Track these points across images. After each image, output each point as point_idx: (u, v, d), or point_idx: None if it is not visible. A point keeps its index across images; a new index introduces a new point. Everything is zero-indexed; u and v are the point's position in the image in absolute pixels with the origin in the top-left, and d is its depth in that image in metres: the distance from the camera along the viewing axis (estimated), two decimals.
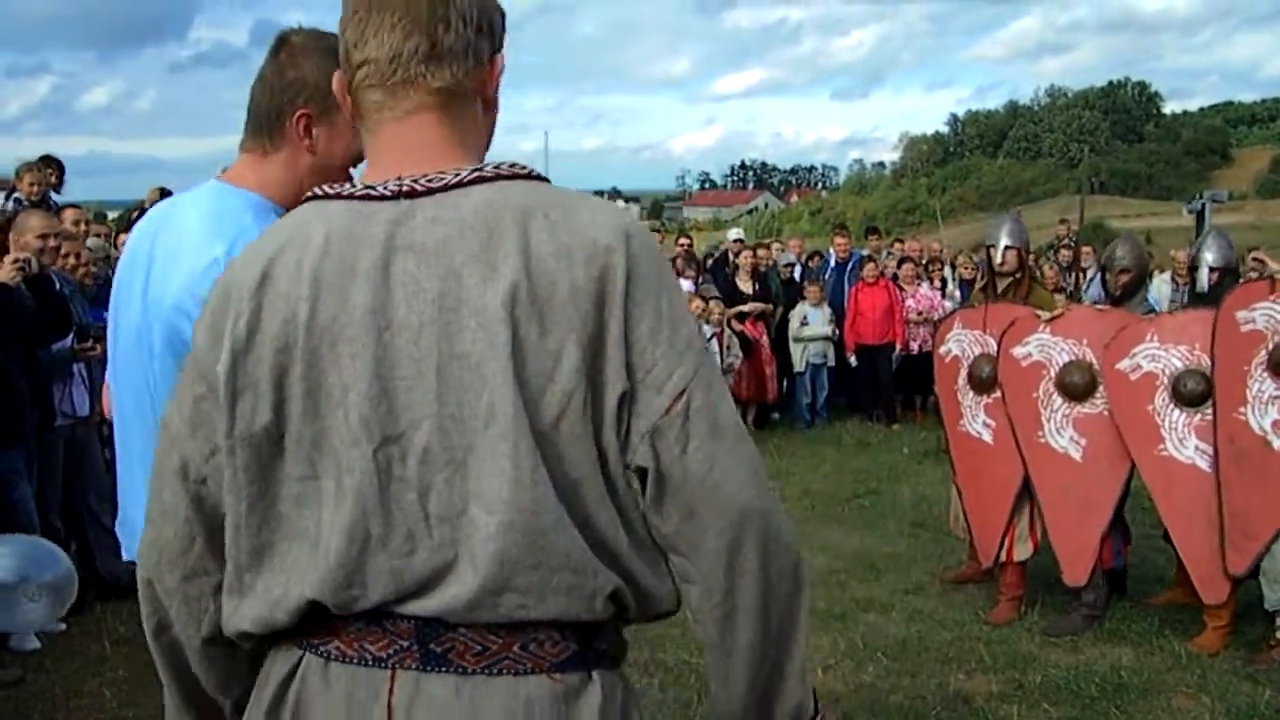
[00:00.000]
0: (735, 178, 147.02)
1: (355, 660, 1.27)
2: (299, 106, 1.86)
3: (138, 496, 1.92)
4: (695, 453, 1.25)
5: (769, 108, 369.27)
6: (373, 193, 1.28)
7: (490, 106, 1.38)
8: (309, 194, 1.35)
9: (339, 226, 1.27)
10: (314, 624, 1.29)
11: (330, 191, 1.32)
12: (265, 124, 1.88)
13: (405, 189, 1.27)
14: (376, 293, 1.24)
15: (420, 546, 1.23)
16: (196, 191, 1.95)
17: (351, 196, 1.30)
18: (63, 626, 5.02)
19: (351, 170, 1.98)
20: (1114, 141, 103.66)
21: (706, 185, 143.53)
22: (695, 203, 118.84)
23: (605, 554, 1.26)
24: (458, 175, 1.28)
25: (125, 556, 2.00)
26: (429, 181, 1.27)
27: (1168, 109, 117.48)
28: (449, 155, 1.31)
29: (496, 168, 1.29)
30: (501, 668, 1.24)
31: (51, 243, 4.93)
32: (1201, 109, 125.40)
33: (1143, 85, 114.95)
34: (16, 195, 7.36)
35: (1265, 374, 4.56)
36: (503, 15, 1.37)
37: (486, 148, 1.40)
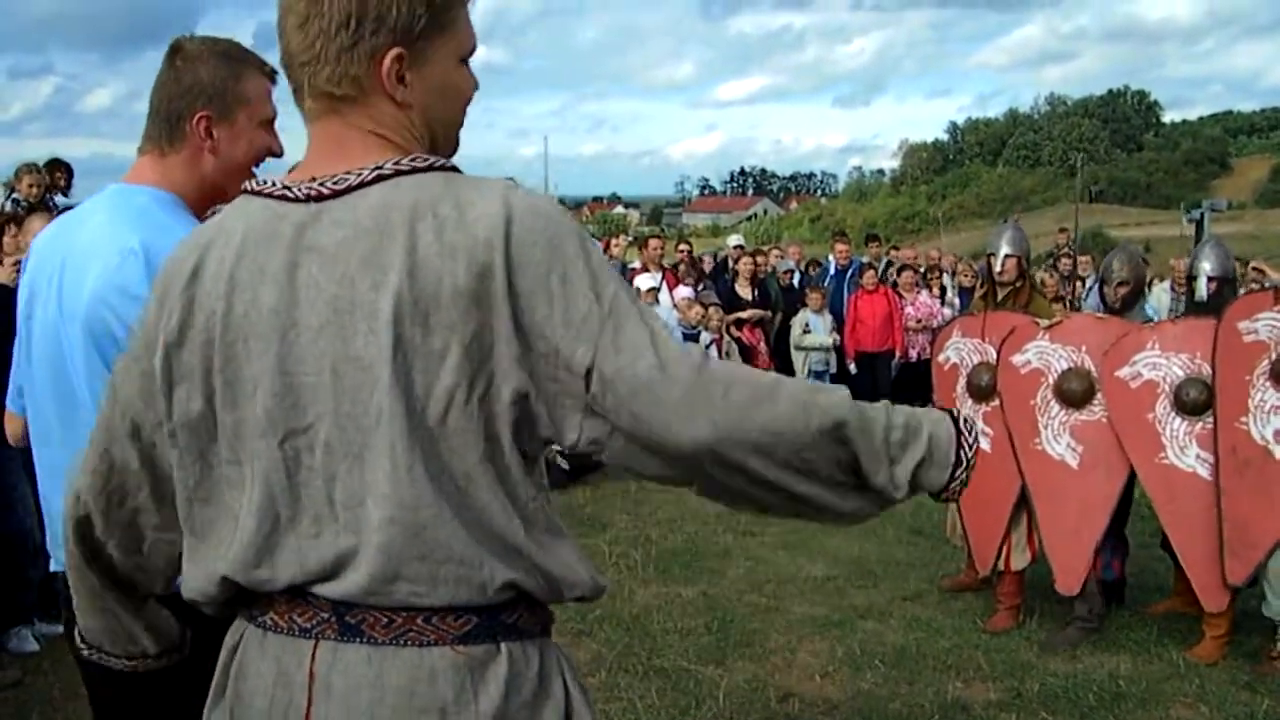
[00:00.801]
0: (735, 184, 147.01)
1: (285, 630, 1.34)
2: (198, 109, 1.94)
3: (56, 501, 1.90)
4: (628, 418, 1.27)
5: (771, 114, 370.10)
6: (288, 194, 1.33)
7: (397, 100, 1.34)
8: (244, 187, 1.40)
9: (254, 225, 1.33)
10: (255, 597, 1.36)
11: (256, 188, 1.37)
12: (165, 126, 1.96)
13: (314, 192, 1.32)
14: (282, 293, 1.29)
15: (325, 530, 1.30)
16: (99, 197, 2.01)
17: (271, 195, 1.34)
18: (60, 629, 5.02)
19: (254, 168, 2.05)
20: (1113, 150, 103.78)
21: (706, 191, 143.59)
22: (695, 209, 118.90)
23: (498, 544, 1.30)
24: (360, 175, 1.31)
25: (53, 567, 2.01)
26: (335, 184, 1.31)
27: (1168, 118, 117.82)
28: (358, 153, 1.34)
29: (397, 163, 1.31)
30: (407, 639, 1.29)
31: None
32: (1201, 118, 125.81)
33: (1142, 94, 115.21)
34: (15, 195, 7.36)
35: (1268, 384, 4.56)
36: (409, 5, 1.32)
37: (443, 133, 1.41)
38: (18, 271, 4.57)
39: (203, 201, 2.01)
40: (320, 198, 1.31)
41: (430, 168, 1.32)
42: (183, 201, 1.97)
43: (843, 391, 1.37)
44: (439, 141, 1.41)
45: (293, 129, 2.02)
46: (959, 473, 1.43)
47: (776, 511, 1.41)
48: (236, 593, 1.36)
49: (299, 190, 1.33)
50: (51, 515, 2.02)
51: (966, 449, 1.43)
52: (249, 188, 1.38)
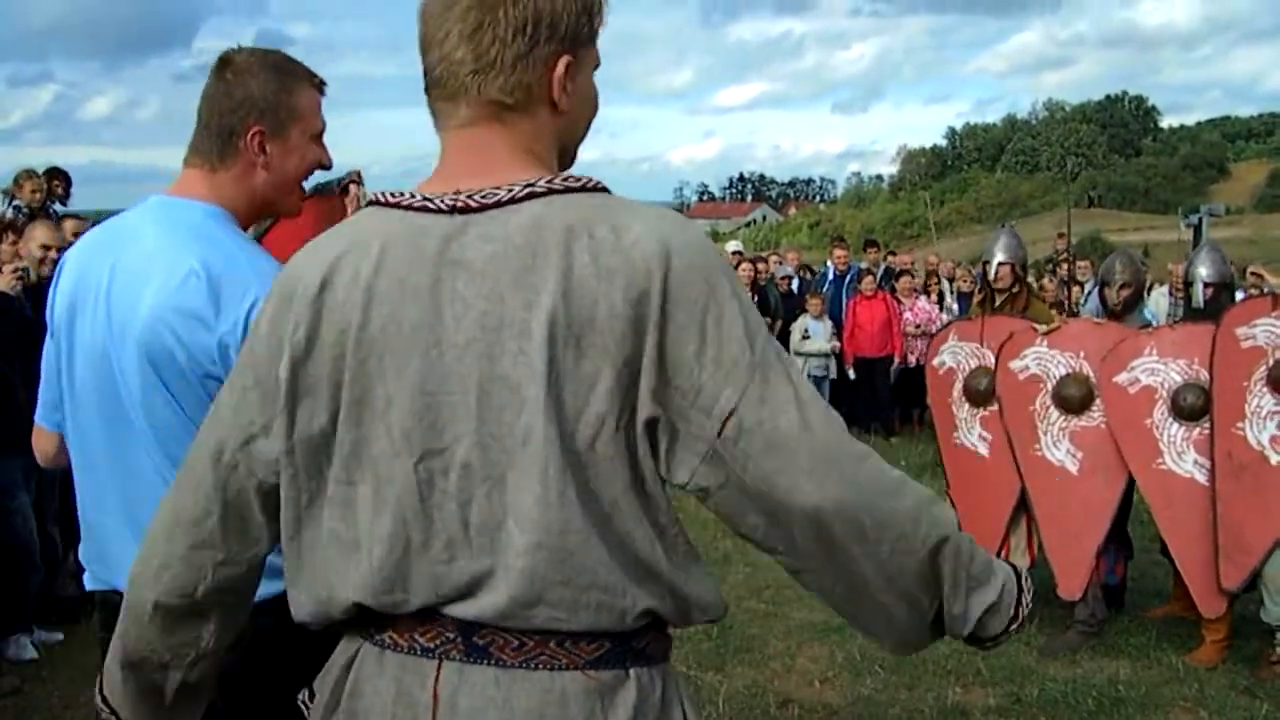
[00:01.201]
0: (733, 190, 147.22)
1: (406, 650, 1.31)
2: (251, 124, 1.89)
3: (108, 520, 1.90)
4: (754, 471, 1.24)
5: (769, 120, 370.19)
6: (429, 205, 1.29)
7: (561, 107, 1.33)
8: (372, 199, 1.36)
9: (394, 238, 1.28)
10: (377, 619, 1.33)
11: (390, 199, 1.32)
12: (216, 142, 1.90)
13: (460, 204, 1.28)
14: (425, 309, 1.25)
15: (459, 555, 1.26)
16: (146, 208, 1.94)
17: (410, 207, 1.30)
18: (60, 636, 5.02)
19: (303, 183, 2.02)
20: (1111, 155, 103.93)
21: (704, 197, 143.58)
22: (693, 215, 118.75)
23: (642, 570, 1.28)
24: (510, 191, 1.27)
25: (88, 586, 1.98)
26: (483, 198, 1.27)
27: (1166, 123, 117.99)
28: (507, 167, 1.30)
29: (550, 181, 1.28)
30: (538, 663, 1.27)
31: (53, 254, 4.94)
32: (1199, 123, 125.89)
33: (1140, 99, 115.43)
34: (16, 202, 7.37)
35: (1265, 389, 4.57)
36: (585, 10, 1.33)
37: (571, 147, 1.40)
38: (18, 279, 4.59)
39: (251, 216, 1.97)
40: (466, 210, 1.27)
41: (583, 188, 1.29)
42: (234, 217, 1.92)
43: (950, 511, 1.37)
44: (566, 156, 1.40)
45: (332, 140, 1.99)
46: (1012, 626, 1.42)
47: (835, 599, 1.38)
48: (359, 614, 1.33)
49: (441, 202, 1.28)
50: (94, 533, 1.95)
51: (1024, 606, 1.43)
52: (380, 198, 1.34)
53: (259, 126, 1.89)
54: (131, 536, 1.84)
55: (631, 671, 1.31)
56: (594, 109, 1.42)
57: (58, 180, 7.99)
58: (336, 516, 1.32)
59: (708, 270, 1.26)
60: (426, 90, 1.34)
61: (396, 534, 1.27)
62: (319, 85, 1.97)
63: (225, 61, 1.91)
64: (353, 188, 1.97)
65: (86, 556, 1.97)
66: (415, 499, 1.26)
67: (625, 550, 1.26)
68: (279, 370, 1.31)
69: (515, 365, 1.22)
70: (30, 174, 7.55)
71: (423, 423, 1.25)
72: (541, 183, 1.28)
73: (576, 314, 1.21)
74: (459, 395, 1.24)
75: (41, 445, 2.12)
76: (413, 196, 1.31)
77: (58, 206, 7.82)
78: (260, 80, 1.89)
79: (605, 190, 1.31)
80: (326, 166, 2.00)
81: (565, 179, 1.29)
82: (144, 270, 1.83)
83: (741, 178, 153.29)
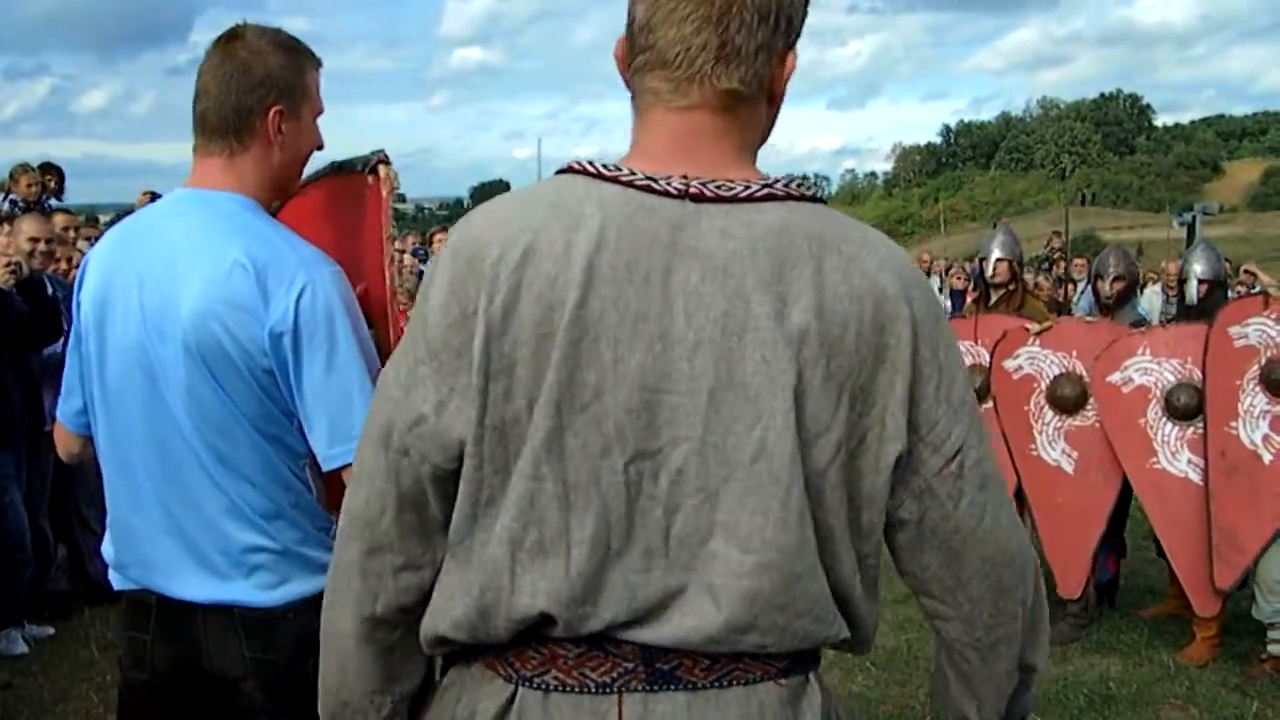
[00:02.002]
0: None
1: (577, 689, 1.20)
2: (270, 103, 1.84)
3: (142, 520, 1.86)
4: (968, 507, 1.24)
5: None
6: (655, 185, 1.18)
7: (775, 101, 1.28)
8: (566, 166, 1.24)
9: (617, 215, 1.16)
10: (526, 650, 1.22)
11: (604, 171, 1.20)
12: (234, 120, 1.84)
13: (693, 190, 1.17)
14: (654, 298, 1.15)
15: (655, 565, 1.17)
16: (170, 203, 1.90)
17: (631, 184, 1.18)
18: (51, 631, 5.01)
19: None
20: (1106, 154, 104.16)
21: None
22: None
23: (840, 600, 1.24)
24: (748, 188, 1.19)
25: (116, 586, 1.94)
26: (717, 188, 1.18)
27: (1160, 121, 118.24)
28: (730, 159, 1.22)
29: (786, 185, 1.21)
30: (732, 679, 1.20)
31: (42, 246, 4.92)
32: (1193, 122, 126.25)
33: (1134, 98, 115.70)
34: (12, 196, 7.35)
35: (1257, 388, 4.58)
36: (805, 6, 1.26)
37: (763, 143, 1.31)
38: (11, 273, 4.57)
39: (269, 199, 1.93)
40: (700, 199, 1.17)
41: (812, 198, 1.23)
42: (260, 205, 1.88)
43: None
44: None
45: (326, 134, 1.95)
46: None
47: (969, 653, 1.37)
48: (514, 639, 1.21)
49: (670, 185, 1.18)
50: (127, 533, 1.90)
51: None
52: (584, 167, 1.22)
53: (279, 106, 1.84)
54: (169, 536, 1.83)
55: (811, 675, 1.27)
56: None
57: (51, 175, 7.98)
58: (512, 515, 1.18)
59: (937, 307, 1.25)
60: (643, 68, 1.23)
61: (598, 537, 1.17)
62: (318, 65, 1.94)
63: (236, 36, 1.86)
64: (382, 168, 1.92)
65: (118, 558, 1.93)
66: (622, 502, 1.16)
67: (831, 580, 1.22)
68: (472, 344, 1.17)
69: (756, 374, 1.14)
70: (26, 168, 7.54)
71: (639, 420, 1.15)
72: (779, 185, 1.20)
73: (828, 333, 1.15)
74: (685, 396, 1.15)
75: (66, 445, 2.05)
76: (632, 172, 1.19)
77: (52, 201, 7.81)
78: (277, 58, 1.84)
79: (825, 203, 1.25)
80: (321, 148, 1.97)
81: (799, 184, 1.22)
82: (183, 264, 1.79)
83: None
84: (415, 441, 1.21)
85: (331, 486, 1.82)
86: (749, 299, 1.14)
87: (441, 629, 1.24)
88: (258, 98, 1.83)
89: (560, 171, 1.24)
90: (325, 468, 1.78)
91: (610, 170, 1.20)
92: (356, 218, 2.01)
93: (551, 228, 1.17)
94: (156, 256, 1.82)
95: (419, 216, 53.80)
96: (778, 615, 1.17)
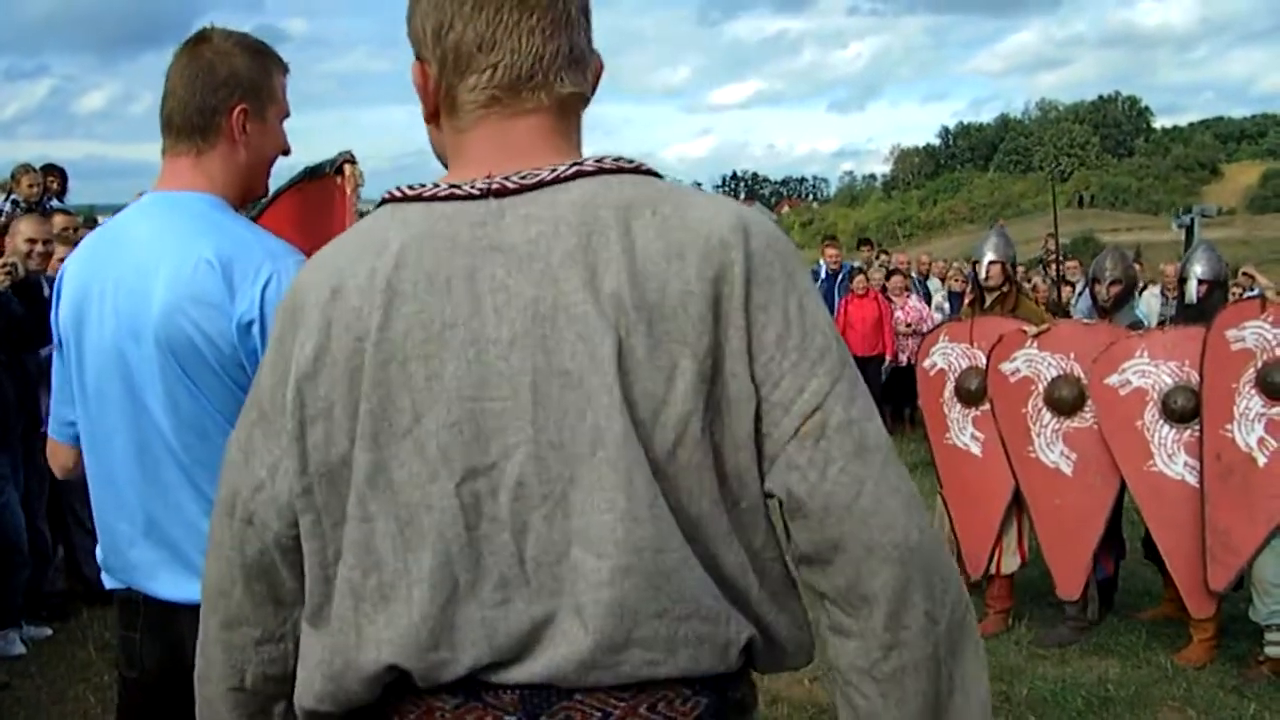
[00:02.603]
0: (726, 188, 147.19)
1: None
2: (235, 102, 1.86)
3: (126, 526, 1.87)
4: (838, 476, 1.06)
5: (765, 119, 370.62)
6: (458, 191, 1.13)
7: (589, 97, 1.24)
8: (385, 195, 1.19)
9: (415, 231, 1.11)
10: (400, 704, 1.12)
11: (408, 192, 1.16)
12: (198, 118, 1.86)
13: (495, 186, 1.12)
14: (460, 303, 1.08)
15: (516, 596, 1.07)
16: (140, 207, 1.91)
17: (434, 198, 1.13)
18: (48, 632, 5.01)
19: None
20: (1104, 156, 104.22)
21: None
22: None
23: (736, 601, 1.10)
24: (554, 171, 1.12)
25: (107, 585, 1.96)
26: (522, 179, 1.12)
27: (1159, 124, 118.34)
28: (553, 151, 1.16)
29: (599, 161, 1.14)
30: None
31: (39, 248, 4.92)
32: (1192, 124, 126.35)
33: (1133, 100, 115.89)
34: (14, 197, 7.35)
35: (1253, 391, 4.58)
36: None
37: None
38: (7, 274, 4.57)
39: (238, 199, 1.94)
40: (503, 193, 1.11)
41: (636, 169, 1.15)
42: (229, 204, 1.89)
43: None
44: None
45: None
46: None
47: (863, 682, 1.12)
48: (381, 695, 1.11)
49: (471, 187, 1.12)
50: (112, 538, 1.92)
51: None
52: (396, 193, 1.17)
53: (244, 105, 1.87)
54: (149, 540, 1.85)
55: (741, 696, 1.15)
56: None
57: (53, 176, 7.99)
58: (350, 563, 1.10)
59: (786, 254, 1.12)
60: (478, 85, 1.16)
61: (440, 572, 1.06)
62: (286, 70, 1.96)
63: (203, 38, 1.89)
64: (347, 168, 1.94)
65: (106, 561, 1.95)
66: (460, 529, 1.06)
67: (715, 577, 1.08)
68: (286, 394, 1.12)
69: (575, 356, 1.04)
70: (27, 169, 7.54)
71: (463, 436, 1.06)
72: (590, 162, 1.14)
73: (644, 296, 1.05)
74: (508, 400, 1.06)
75: (59, 460, 2.07)
76: (435, 186, 1.15)
77: (54, 202, 7.80)
78: (243, 59, 1.87)
79: (659, 176, 1.17)
80: (287, 153, 1.99)
81: (616, 159, 1.15)
82: (152, 265, 1.80)
83: (734, 176, 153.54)
84: (259, 509, 1.16)
85: None
86: (557, 278, 1.06)
87: (307, 704, 1.16)
88: (222, 97, 1.86)
89: (379, 204, 1.21)
90: None
91: (412, 190, 1.16)
92: (329, 219, 2.04)
93: (357, 261, 1.12)
94: (128, 260, 1.84)
95: None
96: (656, 624, 1.05)
